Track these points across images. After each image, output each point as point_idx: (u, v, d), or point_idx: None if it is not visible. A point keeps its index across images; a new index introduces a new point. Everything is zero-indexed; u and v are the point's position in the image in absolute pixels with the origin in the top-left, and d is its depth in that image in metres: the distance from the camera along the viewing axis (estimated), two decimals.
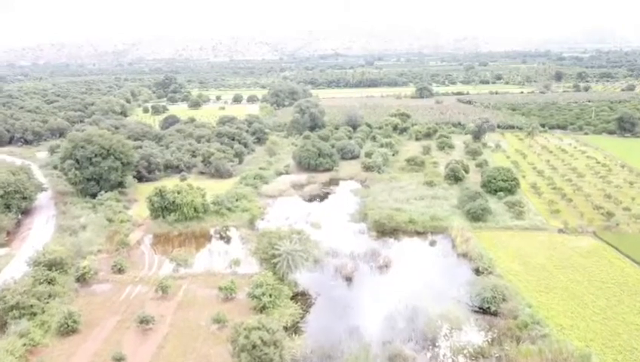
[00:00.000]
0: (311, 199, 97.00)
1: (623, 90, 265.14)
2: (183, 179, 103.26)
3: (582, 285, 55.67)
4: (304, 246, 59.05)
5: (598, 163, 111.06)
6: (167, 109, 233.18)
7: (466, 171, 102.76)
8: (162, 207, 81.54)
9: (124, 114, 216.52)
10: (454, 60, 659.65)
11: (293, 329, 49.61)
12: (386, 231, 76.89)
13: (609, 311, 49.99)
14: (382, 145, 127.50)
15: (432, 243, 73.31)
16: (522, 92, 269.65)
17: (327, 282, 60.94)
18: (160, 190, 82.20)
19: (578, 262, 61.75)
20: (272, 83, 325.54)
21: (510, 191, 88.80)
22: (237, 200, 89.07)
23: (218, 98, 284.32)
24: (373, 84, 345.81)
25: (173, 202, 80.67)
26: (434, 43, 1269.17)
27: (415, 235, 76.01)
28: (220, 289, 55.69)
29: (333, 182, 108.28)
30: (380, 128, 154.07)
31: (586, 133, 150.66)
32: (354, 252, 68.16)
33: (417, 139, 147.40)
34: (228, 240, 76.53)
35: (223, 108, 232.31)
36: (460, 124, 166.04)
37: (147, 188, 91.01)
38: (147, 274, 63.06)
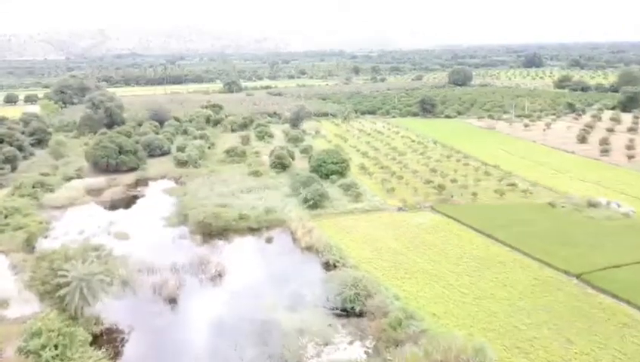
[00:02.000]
0: (113, 205, 78.21)
1: (413, 79, 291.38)
2: None
3: (440, 264, 50.27)
4: (105, 266, 42.73)
5: (414, 141, 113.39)
6: None
7: (292, 158, 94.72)
8: None
9: None
10: (257, 59, 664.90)
11: None
12: (213, 232, 63.61)
13: (475, 289, 44.91)
14: (195, 138, 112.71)
15: (270, 240, 62.45)
16: (327, 84, 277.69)
17: (144, 309, 45.51)
18: None
19: (427, 240, 56.90)
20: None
21: (341, 173, 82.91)
22: (6, 216, 66.40)
23: None
24: (177, 80, 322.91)
25: None
26: (235, 43, 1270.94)
27: (248, 233, 64.27)
28: None
29: (141, 182, 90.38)
30: (191, 121, 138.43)
31: (393, 117, 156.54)
32: (176, 264, 53.44)
33: (233, 130, 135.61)
34: None
35: None
36: (275, 113, 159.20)
37: None
38: None
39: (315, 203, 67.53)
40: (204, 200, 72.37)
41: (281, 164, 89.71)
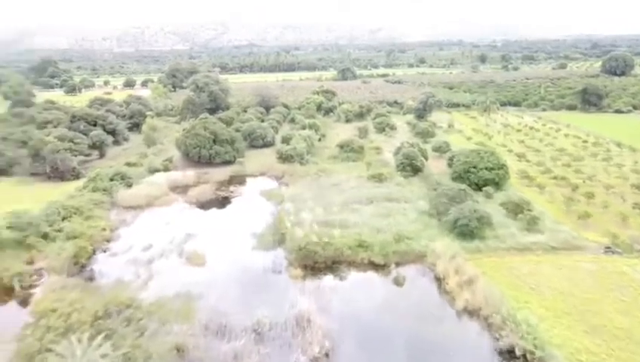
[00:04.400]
0: (198, 210, 61.89)
1: (554, 68, 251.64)
2: None
3: None
4: (135, 342, 24.66)
5: (586, 142, 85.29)
6: (34, 95, 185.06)
7: (425, 157, 72.51)
8: None
9: None
10: (372, 49, 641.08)
11: None
12: (318, 264, 44.06)
13: None
14: (304, 127, 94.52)
15: (401, 283, 41.39)
16: (451, 72, 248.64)
17: None
18: None
19: None
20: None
21: (497, 184, 59.35)
22: (64, 218, 52.28)
23: (106, 83, 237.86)
24: (290, 68, 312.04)
25: None
26: (349, 34, 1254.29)
27: (369, 268, 43.84)
28: None
29: (236, 180, 73.62)
30: (300, 108, 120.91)
31: (543, 109, 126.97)
32: (262, 320, 34.50)
33: (348, 120, 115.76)
34: (25, 302, 39.85)
35: (110, 94, 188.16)
36: (396, 102, 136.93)
37: None
38: None
39: (471, 230, 45.14)
40: (309, 212, 53.11)
41: (410, 166, 68.03)
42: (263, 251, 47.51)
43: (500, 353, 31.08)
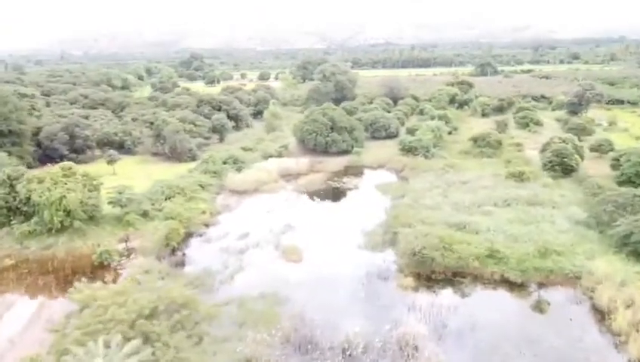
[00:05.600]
0: (305, 199, 56.33)
1: None
2: (111, 161, 64.90)
3: None
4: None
5: None
6: (178, 85, 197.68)
7: (581, 156, 59.25)
8: (8, 209, 43.51)
9: (127, 89, 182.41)
10: (516, 46, 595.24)
11: None
12: (435, 274, 35.56)
13: None
14: (433, 118, 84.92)
15: (546, 313, 31.30)
16: (611, 69, 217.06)
17: None
18: (9, 177, 44.13)
19: None
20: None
21: None
22: (167, 198, 49.92)
23: (243, 76, 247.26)
24: (425, 64, 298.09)
25: (28, 200, 42.52)
26: (489, 32, 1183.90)
27: (501, 286, 34.30)
28: None
29: (351, 171, 66.97)
30: (431, 100, 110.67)
31: None
32: (354, 339, 27.17)
33: (484, 114, 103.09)
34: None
35: (244, 85, 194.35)
36: (543, 97, 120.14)
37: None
38: None
39: None
40: (430, 210, 44.54)
41: (561, 165, 55.69)
42: (369, 251, 40.19)
43: None
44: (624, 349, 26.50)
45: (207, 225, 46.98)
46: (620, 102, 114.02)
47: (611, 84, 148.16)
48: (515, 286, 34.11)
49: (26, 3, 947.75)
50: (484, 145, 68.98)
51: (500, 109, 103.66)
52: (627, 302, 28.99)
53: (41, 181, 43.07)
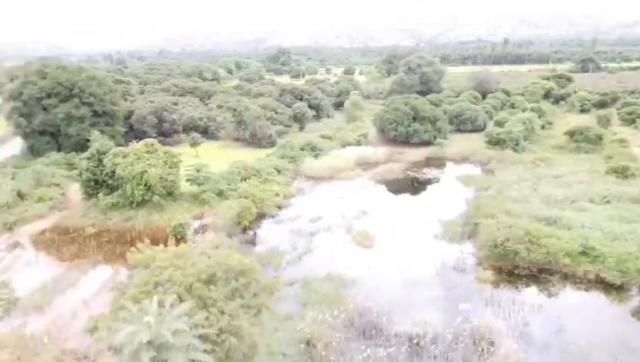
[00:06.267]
0: (382, 188, 54.35)
1: None
2: (194, 143, 66.81)
3: None
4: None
5: None
6: (264, 78, 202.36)
7: None
8: (95, 181, 45.69)
9: (217, 80, 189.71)
10: (624, 44, 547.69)
11: None
12: (518, 270, 32.41)
13: None
14: (524, 111, 79.29)
15: None
16: None
17: None
18: (98, 151, 46.35)
19: None
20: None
21: None
22: (243, 179, 50.23)
23: (328, 71, 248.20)
24: (518, 60, 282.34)
25: (112, 173, 44.41)
26: (594, 29, 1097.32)
27: (594, 287, 30.51)
28: None
29: (432, 162, 63.91)
30: (523, 94, 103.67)
31: None
32: (424, 328, 25.11)
33: (583, 110, 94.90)
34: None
35: (328, 79, 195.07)
36: None
37: None
38: None
39: None
40: (516, 203, 40.98)
41: None
42: (446, 242, 37.62)
43: None
44: None
45: (279, 208, 46.57)
46: None
47: None
48: (613, 289, 30.20)
49: (133, 5, 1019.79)
50: (581, 140, 63.06)
51: (601, 105, 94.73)
52: None
53: (125, 156, 44.83)
